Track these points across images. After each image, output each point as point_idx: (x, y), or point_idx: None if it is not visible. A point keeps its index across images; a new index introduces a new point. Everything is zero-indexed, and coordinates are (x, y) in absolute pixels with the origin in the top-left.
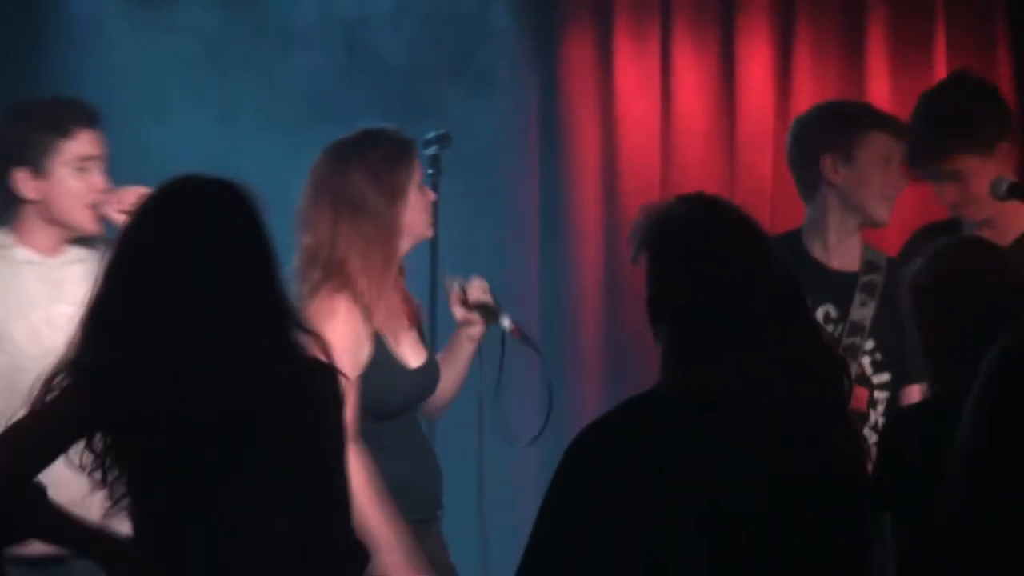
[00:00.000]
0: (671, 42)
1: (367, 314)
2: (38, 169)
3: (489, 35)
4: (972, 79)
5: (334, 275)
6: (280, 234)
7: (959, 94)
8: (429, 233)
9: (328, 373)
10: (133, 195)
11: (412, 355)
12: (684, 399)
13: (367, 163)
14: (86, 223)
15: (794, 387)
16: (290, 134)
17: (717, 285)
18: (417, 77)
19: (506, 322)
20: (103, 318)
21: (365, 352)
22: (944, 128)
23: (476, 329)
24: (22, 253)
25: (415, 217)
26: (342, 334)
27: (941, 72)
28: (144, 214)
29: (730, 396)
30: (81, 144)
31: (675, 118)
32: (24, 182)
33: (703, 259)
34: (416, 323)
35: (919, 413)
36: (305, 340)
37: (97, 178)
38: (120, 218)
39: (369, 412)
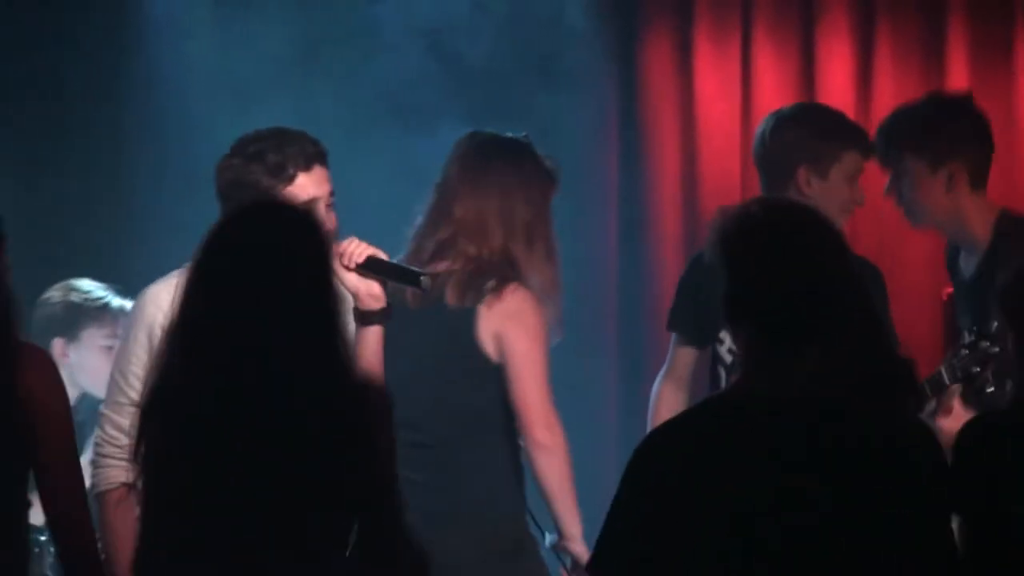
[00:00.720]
0: (751, 44)
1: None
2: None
3: (569, 37)
4: (950, 96)
5: (523, 276)
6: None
7: (928, 103)
8: None
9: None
10: (355, 247)
11: None
12: (759, 399)
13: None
14: None
15: (865, 390)
16: (370, 136)
17: (794, 286)
18: (497, 79)
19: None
20: (180, 338)
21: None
22: (900, 127)
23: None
24: None
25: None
26: (541, 323)
27: (1021, 73)
28: (216, 239)
29: (804, 396)
30: (303, 188)
31: (755, 121)
32: None
33: (781, 260)
34: None
35: (998, 420)
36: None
37: (323, 217)
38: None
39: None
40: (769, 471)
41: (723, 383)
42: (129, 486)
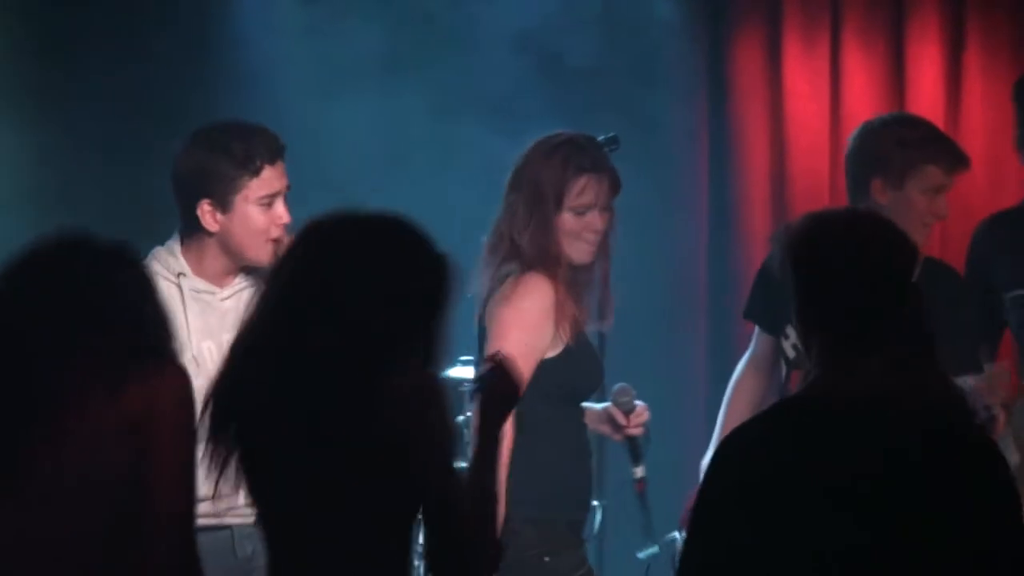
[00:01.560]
0: (840, 43)
1: (567, 302)
2: (223, 203)
3: (659, 37)
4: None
5: (536, 262)
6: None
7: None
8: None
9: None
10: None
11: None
12: (832, 400)
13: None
14: (264, 257)
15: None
16: (458, 137)
17: (864, 297)
18: (587, 79)
19: (639, 471)
20: (251, 343)
21: (565, 333)
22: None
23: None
24: (194, 283)
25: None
26: (538, 307)
27: None
28: (299, 247)
29: (871, 404)
30: (267, 182)
31: (844, 120)
32: (207, 215)
33: (843, 273)
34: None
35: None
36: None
37: (280, 211)
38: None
39: (559, 395)
40: (836, 479)
41: (783, 377)
42: None
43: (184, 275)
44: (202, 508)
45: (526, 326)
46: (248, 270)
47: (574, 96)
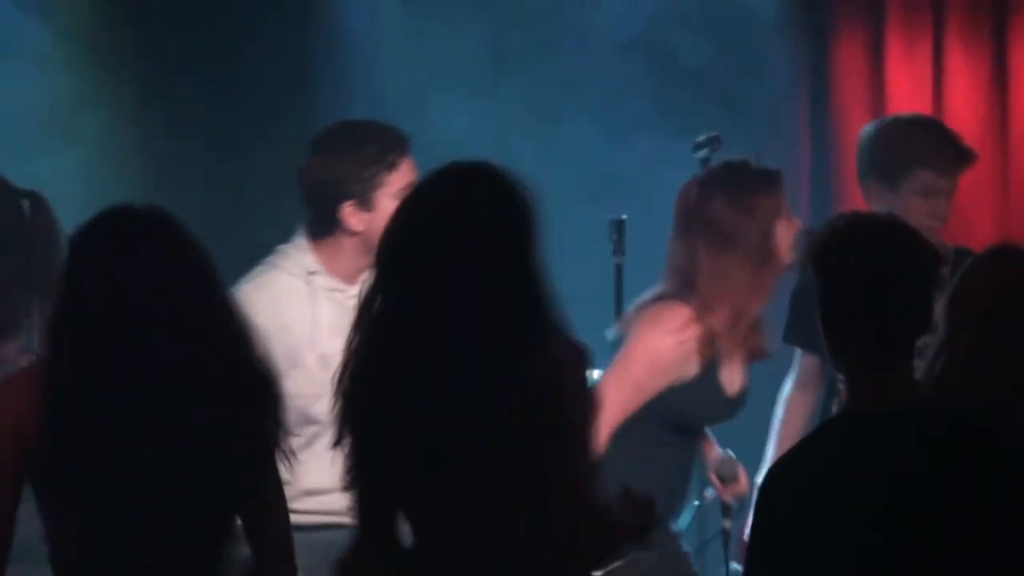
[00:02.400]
0: (943, 44)
1: (710, 337)
2: (365, 202)
3: (761, 37)
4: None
5: (692, 292)
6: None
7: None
8: (788, 259)
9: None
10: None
11: (734, 380)
12: (873, 416)
13: (736, 194)
14: None
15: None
16: (561, 140)
17: (887, 304)
18: (688, 78)
19: (727, 524)
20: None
21: (690, 371)
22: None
23: None
24: (325, 281)
25: (782, 246)
26: (678, 345)
27: None
28: (407, 210)
29: (909, 413)
30: (403, 174)
31: (947, 121)
32: (351, 216)
33: (873, 277)
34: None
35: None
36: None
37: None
38: None
39: (670, 422)
40: (889, 488)
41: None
42: None
43: (316, 273)
44: (331, 504)
45: (662, 361)
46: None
47: (676, 96)
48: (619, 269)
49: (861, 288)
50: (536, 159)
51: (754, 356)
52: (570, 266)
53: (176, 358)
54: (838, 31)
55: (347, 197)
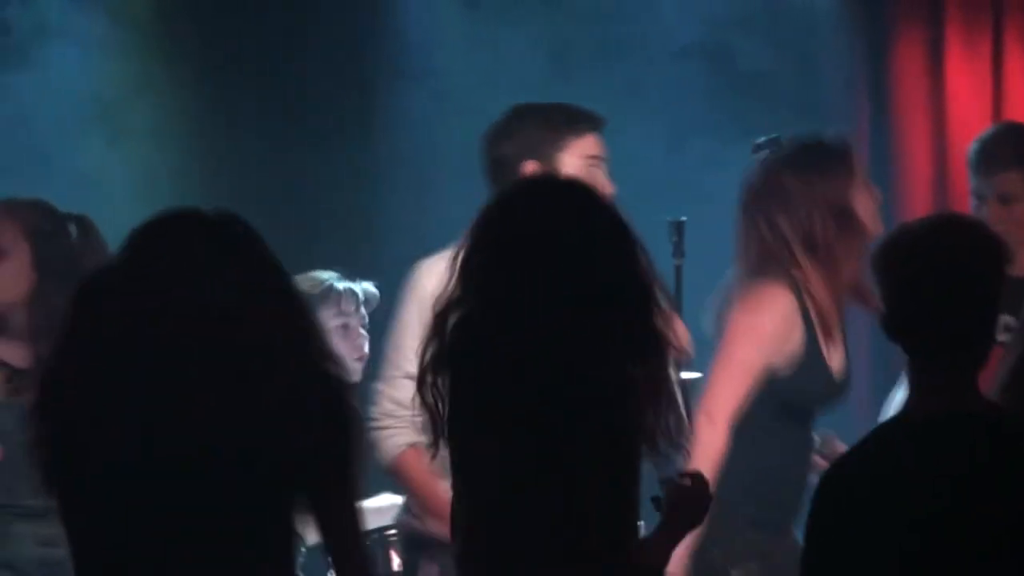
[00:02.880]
0: (1003, 44)
1: (806, 311)
2: (548, 163)
3: (820, 39)
4: None
5: (779, 268)
6: None
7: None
8: (879, 229)
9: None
10: None
11: (835, 359)
12: (930, 419)
13: (811, 167)
14: None
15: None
16: (621, 145)
17: (955, 306)
18: (747, 81)
19: None
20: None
21: (792, 347)
22: (994, 149)
23: None
24: None
25: (866, 215)
26: (776, 320)
27: None
28: (494, 210)
29: (971, 416)
30: (590, 144)
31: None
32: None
33: (942, 279)
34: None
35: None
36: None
37: (603, 180)
38: None
39: (782, 405)
40: (932, 492)
41: None
42: (414, 445)
43: None
44: None
45: (762, 337)
46: None
47: (734, 99)
48: (678, 271)
49: (925, 291)
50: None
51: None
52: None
53: (237, 372)
54: (897, 32)
55: (531, 157)
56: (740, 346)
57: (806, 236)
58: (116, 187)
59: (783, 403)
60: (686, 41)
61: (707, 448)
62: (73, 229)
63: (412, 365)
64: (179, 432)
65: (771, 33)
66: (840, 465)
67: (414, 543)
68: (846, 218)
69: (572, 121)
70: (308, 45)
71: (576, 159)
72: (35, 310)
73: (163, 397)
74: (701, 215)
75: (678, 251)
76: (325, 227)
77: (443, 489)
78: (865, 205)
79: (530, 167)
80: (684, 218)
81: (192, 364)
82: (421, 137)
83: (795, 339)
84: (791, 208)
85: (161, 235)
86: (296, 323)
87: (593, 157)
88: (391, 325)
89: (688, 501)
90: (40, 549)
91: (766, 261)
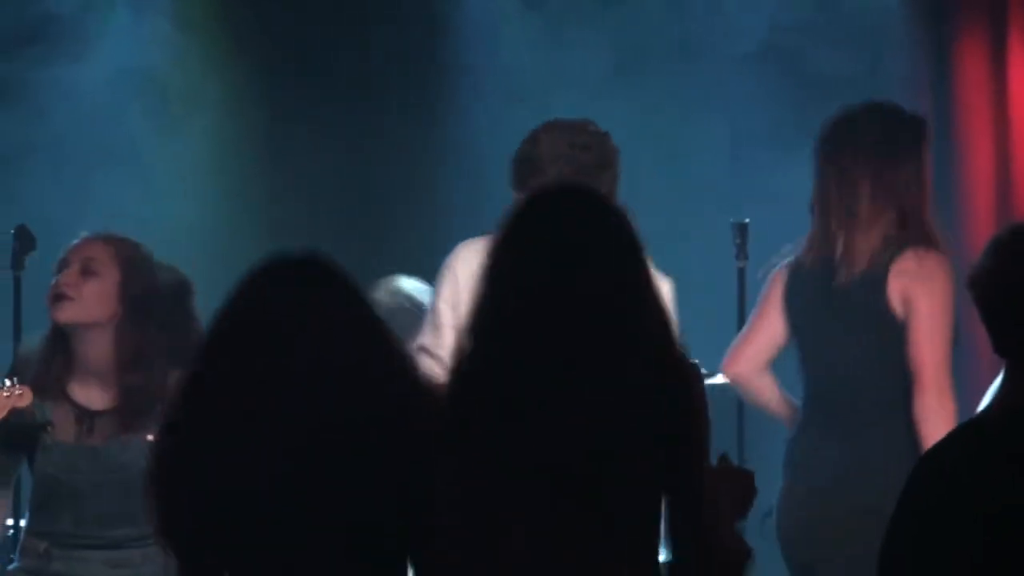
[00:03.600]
0: None
1: None
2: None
3: (884, 43)
4: None
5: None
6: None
7: None
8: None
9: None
10: None
11: None
12: (1007, 420)
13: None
14: None
15: None
16: (686, 141)
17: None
18: (808, 83)
19: None
20: (478, 320)
21: None
22: None
23: None
24: None
25: None
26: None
27: None
28: (519, 216)
29: None
30: None
31: None
32: None
33: (1010, 281)
34: None
35: None
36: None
37: None
38: None
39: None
40: (1010, 486)
41: None
42: None
43: None
44: None
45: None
46: None
47: (797, 101)
48: (742, 273)
49: (1004, 287)
50: (659, 164)
51: None
52: (693, 270)
53: (336, 414)
54: (960, 33)
55: (516, 187)
56: (948, 313)
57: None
58: (172, 177)
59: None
60: (751, 43)
61: (950, 422)
62: (169, 279)
63: (449, 340)
64: (307, 482)
65: (835, 36)
66: (935, 452)
67: None
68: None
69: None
70: (376, 46)
71: None
72: (117, 342)
73: (288, 454)
74: (764, 217)
75: (741, 253)
76: (385, 216)
77: None
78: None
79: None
80: (747, 220)
81: (319, 420)
82: (482, 133)
83: None
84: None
85: (275, 285)
86: (383, 357)
87: None
88: (430, 304)
89: (731, 481)
90: (111, 571)
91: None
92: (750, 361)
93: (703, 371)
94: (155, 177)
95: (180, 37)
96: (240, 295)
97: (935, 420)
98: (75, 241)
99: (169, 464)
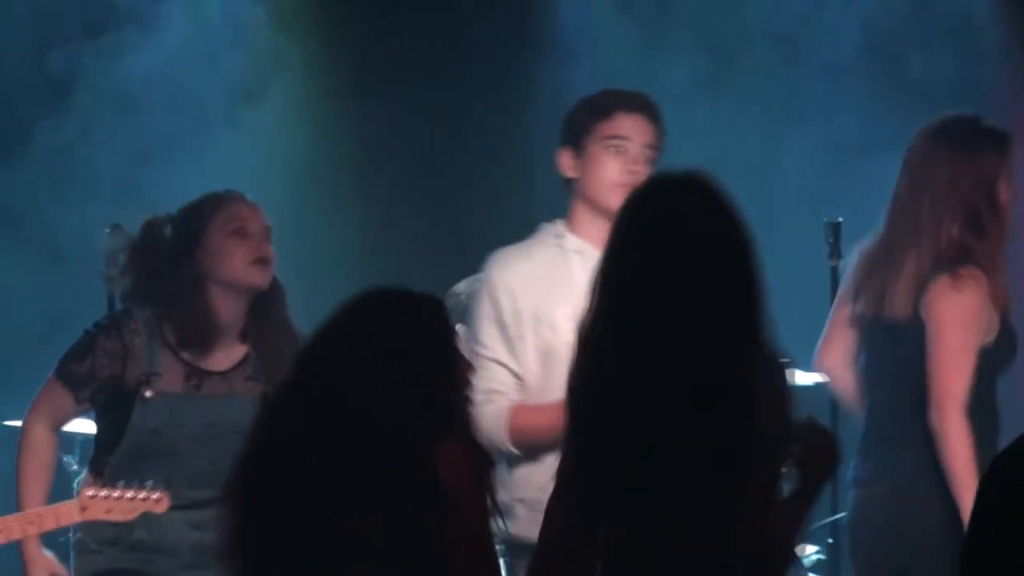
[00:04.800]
0: None
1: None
2: (577, 148)
3: (981, 48)
4: None
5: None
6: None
7: None
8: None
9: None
10: None
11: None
12: None
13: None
14: (615, 203)
15: None
16: (785, 150)
17: None
18: (903, 87)
19: None
20: (595, 335)
21: (994, 325)
22: None
23: None
24: (572, 242)
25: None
26: (978, 305)
27: None
28: (631, 221)
29: None
30: (616, 125)
31: None
32: (565, 161)
33: None
34: None
35: None
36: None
37: (624, 163)
38: None
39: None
40: None
41: None
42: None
43: (563, 236)
44: None
45: (971, 321)
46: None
47: (890, 104)
48: (834, 272)
49: None
50: (754, 165)
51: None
52: (787, 269)
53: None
54: None
55: (565, 144)
56: (966, 329)
57: (970, 212)
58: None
59: (991, 383)
60: (846, 48)
61: (962, 436)
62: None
63: (489, 351)
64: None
65: (931, 39)
66: (1010, 451)
67: (515, 550)
68: (991, 205)
69: (601, 102)
70: (469, 48)
71: (597, 141)
72: (252, 306)
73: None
74: (857, 216)
75: (834, 252)
76: (488, 222)
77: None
78: (1004, 197)
79: (565, 154)
80: (840, 219)
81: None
82: None
83: (995, 318)
84: (952, 185)
85: (371, 315)
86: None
87: (616, 137)
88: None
89: (820, 447)
90: (194, 533)
91: (937, 243)
92: (835, 353)
93: (798, 369)
94: (224, 166)
95: (269, 21)
96: (339, 323)
97: (938, 438)
98: (235, 202)
99: (252, 480)
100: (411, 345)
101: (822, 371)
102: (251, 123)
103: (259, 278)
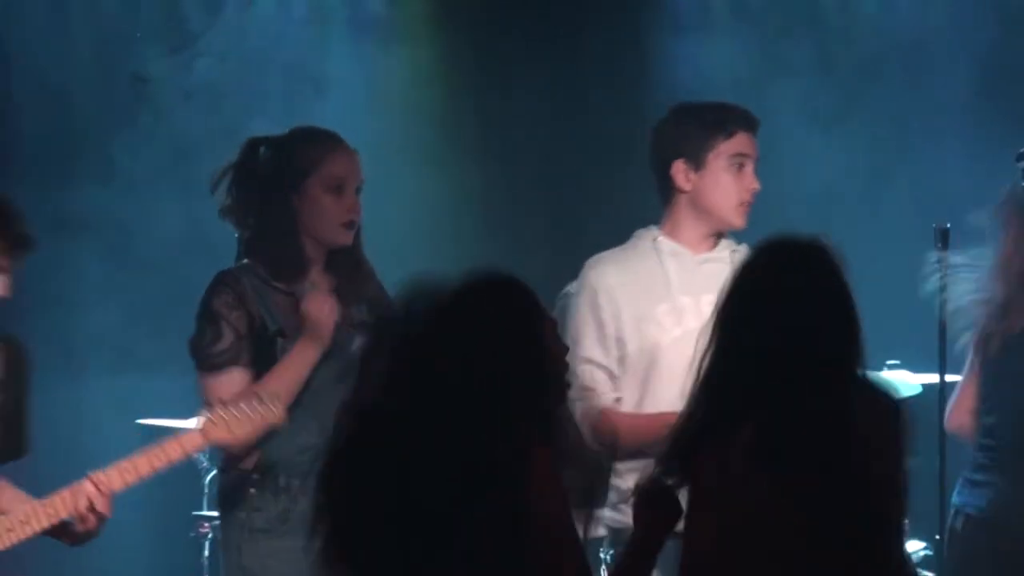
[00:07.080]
0: None
1: None
2: (695, 162)
3: None
4: None
5: None
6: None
7: None
8: None
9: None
10: None
11: None
12: None
13: None
14: (735, 220)
15: None
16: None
17: None
18: (1013, 89)
19: None
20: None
21: None
22: None
23: None
24: (668, 245)
25: None
26: None
27: None
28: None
29: None
30: (738, 143)
31: None
32: (680, 174)
33: None
34: None
35: None
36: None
37: (750, 179)
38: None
39: None
40: None
41: None
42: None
43: (659, 239)
44: None
45: None
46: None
47: (1000, 107)
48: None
49: None
50: (865, 175)
51: None
52: (896, 273)
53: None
54: None
55: (679, 156)
56: None
57: None
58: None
59: None
60: (957, 48)
61: None
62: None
63: (587, 351)
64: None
65: (970, 54)
66: None
67: (623, 539)
68: None
69: (722, 121)
70: (585, 49)
71: (722, 159)
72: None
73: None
74: (966, 222)
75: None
76: (598, 206)
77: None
78: None
79: (679, 166)
80: (948, 225)
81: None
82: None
83: None
84: None
85: (481, 304)
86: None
87: (740, 155)
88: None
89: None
90: (299, 437)
91: None
92: (967, 414)
93: (905, 370)
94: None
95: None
96: (443, 317)
97: None
98: (337, 156)
99: (345, 471)
100: (514, 338)
101: (954, 429)
102: (370, 120)
103: (346, 239)
